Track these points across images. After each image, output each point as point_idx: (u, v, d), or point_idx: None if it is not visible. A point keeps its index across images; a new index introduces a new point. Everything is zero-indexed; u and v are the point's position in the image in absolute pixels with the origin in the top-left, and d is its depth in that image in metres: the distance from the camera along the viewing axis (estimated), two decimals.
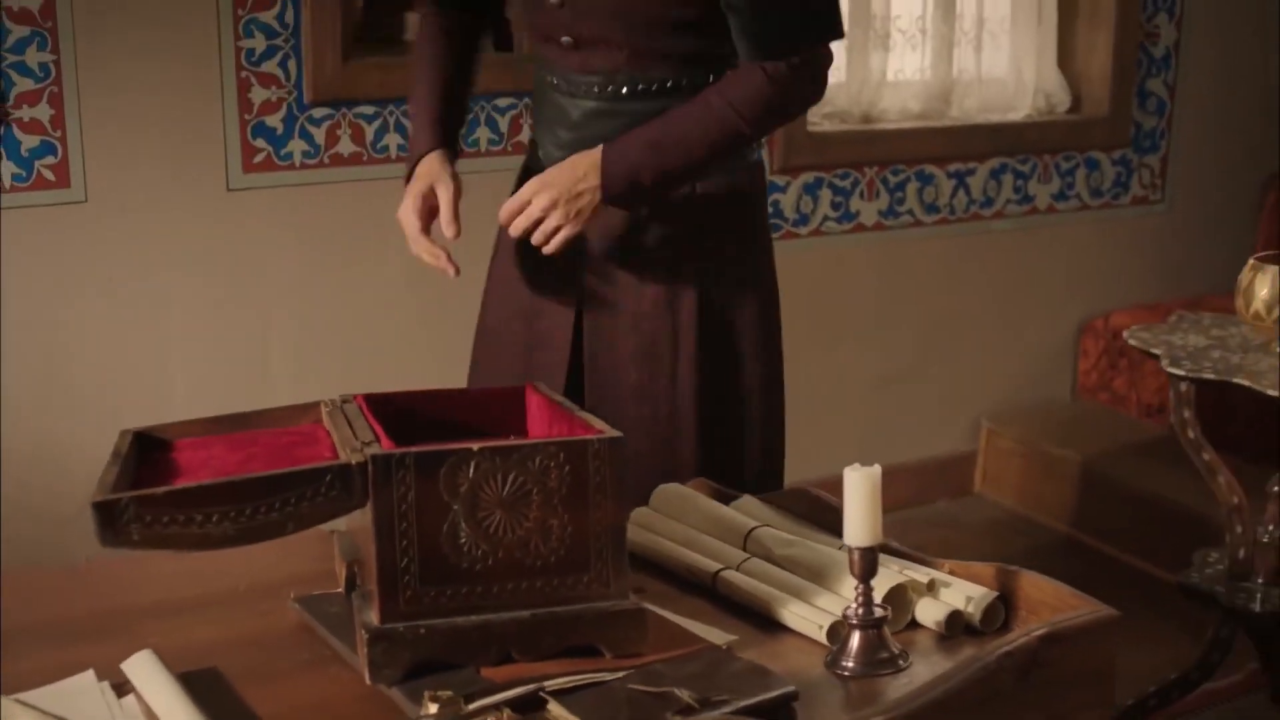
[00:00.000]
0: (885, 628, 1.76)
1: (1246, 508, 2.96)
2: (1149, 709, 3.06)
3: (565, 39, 2.30)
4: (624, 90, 2.31)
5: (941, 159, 4.24)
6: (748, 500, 2.23)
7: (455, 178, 2.43)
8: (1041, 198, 4.44)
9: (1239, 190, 4.80)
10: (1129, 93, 4.51)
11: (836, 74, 4.06)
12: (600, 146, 2.28)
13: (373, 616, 1.72)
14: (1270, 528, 2.95)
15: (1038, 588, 1.85)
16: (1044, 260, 4.46)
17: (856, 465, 1.76)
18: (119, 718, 1.62)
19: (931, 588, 1.90)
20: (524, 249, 2.45)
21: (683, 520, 2.18)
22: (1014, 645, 1.70)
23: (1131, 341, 2.95)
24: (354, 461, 1.70)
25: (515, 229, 2.34)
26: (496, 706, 1.59)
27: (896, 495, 4.35)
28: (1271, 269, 2.78)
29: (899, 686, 1.69)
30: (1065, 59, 4.52)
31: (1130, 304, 4.49)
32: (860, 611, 1.75)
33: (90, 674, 1.71)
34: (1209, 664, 3.04)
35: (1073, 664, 1.75)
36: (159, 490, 1.65)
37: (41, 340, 3.19)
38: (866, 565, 1.76)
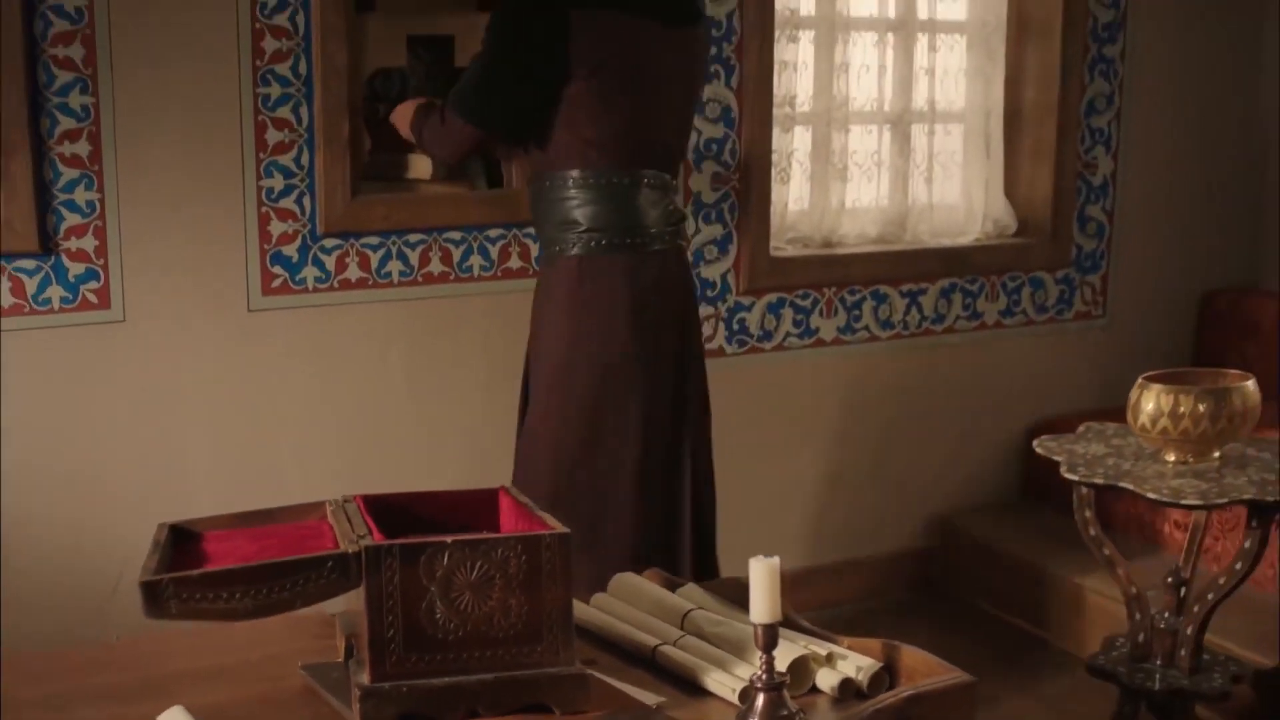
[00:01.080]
0: (785, 691, 2.14)
1: (1144, 597, 3.34)
2: None
3: None
4: None
5: (895, 279, 4.65)
6: (690, 587, 2.62)
7: None
8: (990, 314, 4.84)
9: (1177, 306, 5.20)
10: (1069, 218, 4.92)
11: (800, 203, 4.52)
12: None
13: (365, 677, 2.12)
14: (1166, 615, 3.32)
15: (914, 658, 2.25)
16: (993, 371, 4.84)
17: (760, 556, 2.15)
18: None
19: (829, 659, 2.29)
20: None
21: (634, 604, 2.58)
22: (883, 704, 2.09)
23: (1039, 450, 3.35)
24: (351, 551, 2.11)
25: None
26: None
27: (857, 587, 4.72)
28: (1156, 387, 3.18)
29: None
30: (1011, 188, 4.94)
31: (1074, 411, 4.86)
32: (764, 677, 2.14)
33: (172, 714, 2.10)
34: None
35: (940, 714, 2.14)
36: (193, 573, 2.06)
37: (82, 442, 3.60)
38: (768, 638, 2.15)
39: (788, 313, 4.47)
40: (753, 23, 4.23)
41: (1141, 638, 3.34)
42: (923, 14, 4.72)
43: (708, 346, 4.20)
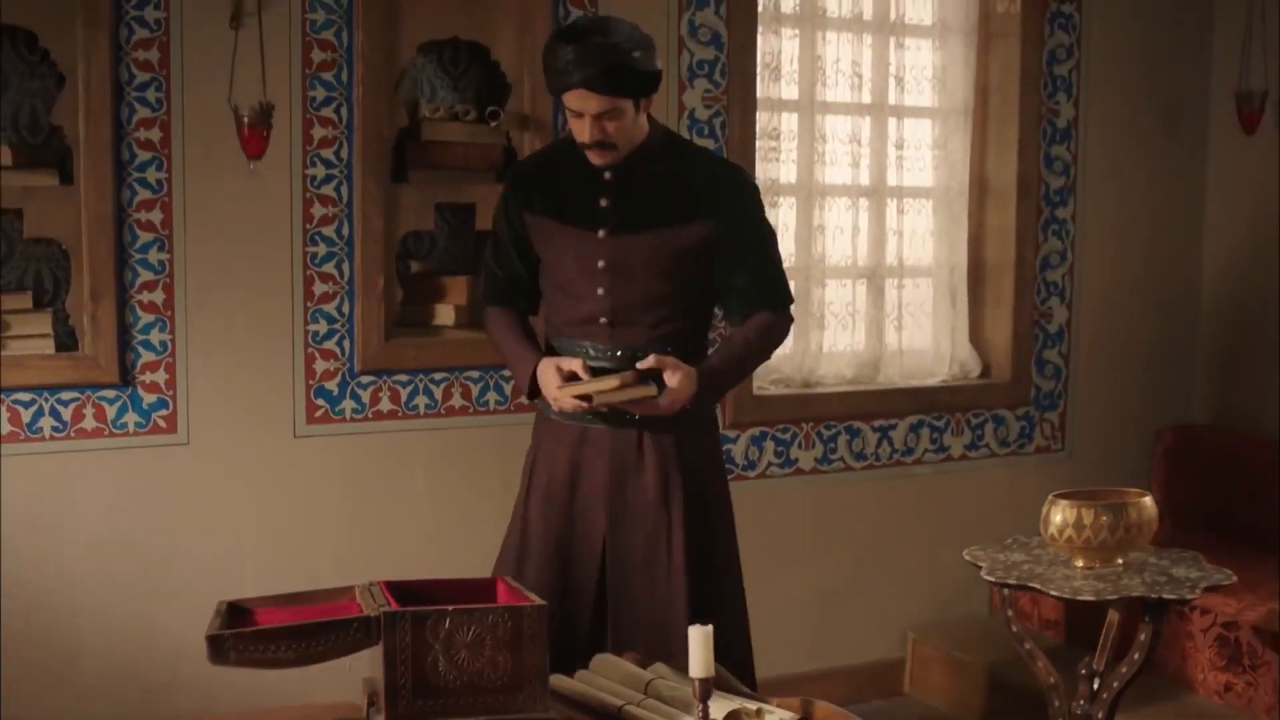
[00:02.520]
0: None
1: (1062, 686, 3.86)
2: None
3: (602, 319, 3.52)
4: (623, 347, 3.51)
5: (868, 416, 5.21)
6: (659, 665, 3.17)
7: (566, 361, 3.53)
8: (955, 448, 5.39)
9: (1133, 439, 5.73)
10: (1028, 362, 5.49)
11: (783, 348, 5.10)
12: (698, 372, 3.50)
13: (380, 717, 2.68)
14: (1081, 702, 3.84)
15: (825, 710, 2.79)
16: (959, 499, 5.36)
17: (697, 625, 2.71)
18: None
19: (758, 713, 2.83)
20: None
21: (609, 676, 3.13)
22: None
23: (967, 558, 3.89)
24: (372, 615, 2.68)
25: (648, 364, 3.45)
26: None
27: (834, 694, 5.16)
28: (1062, 502, 3.73)
29: None
30: (975, 335, 5.52)
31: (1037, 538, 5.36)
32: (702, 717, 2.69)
33: None
34: None
35: None
36: (248, 629, 2.63)
37: (149, 547, 4.19)
38: (704, 690, 2.70)
39: (769, 445, 5.04)
40: None
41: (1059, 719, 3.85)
42: (892, 181, 5.33)
43: None
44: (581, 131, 3.46)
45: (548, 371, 3.53)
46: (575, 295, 3.59)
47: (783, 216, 5.13)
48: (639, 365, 3.46)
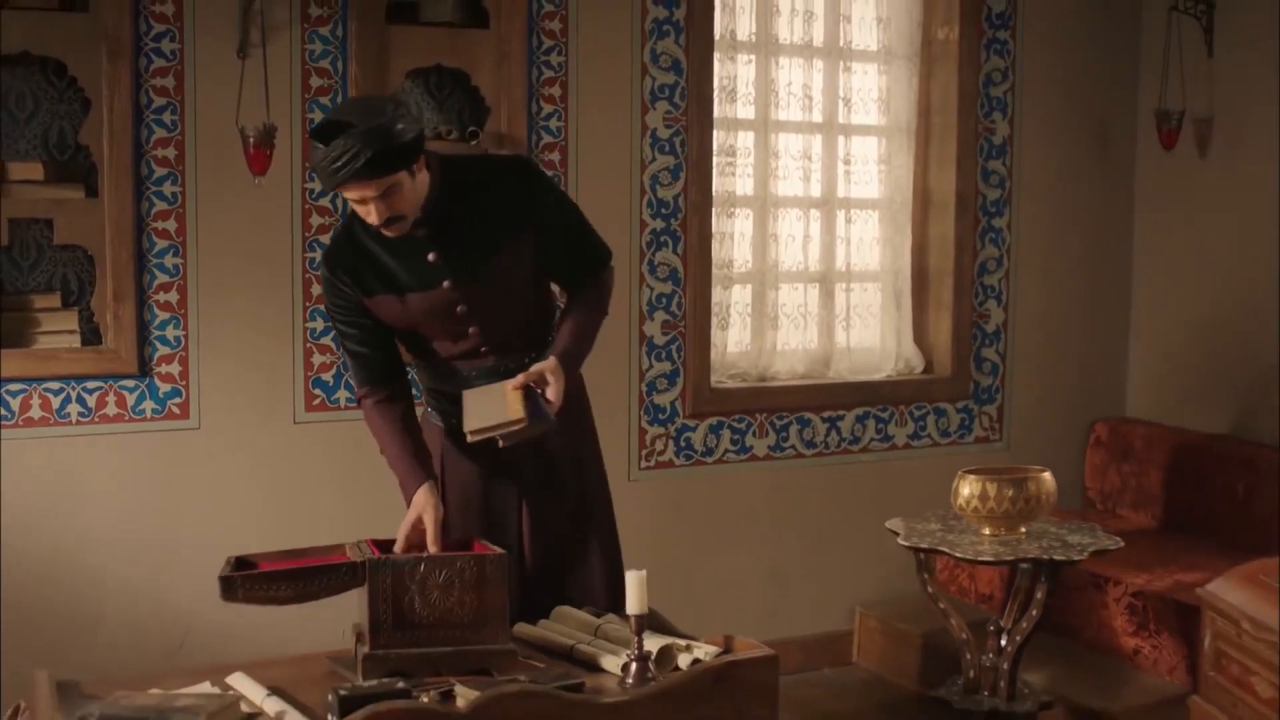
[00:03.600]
0: (649, 662, 3.19)
1: (973, 641, 4.35)
2: None
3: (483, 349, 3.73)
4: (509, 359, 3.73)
5: (818, 407, 5.71)
6: (611, 615, 3.67)
7: (438, 506, 3.56)
8: (899, 437, 5.90)
9: (1067, 431, 6.23)
10: (967, 359, 5.99)
11: (740, 345, 5.60)
12: (558, 361, 3.57)
13: (365, 648, 3.19)
14: (989, 655, 4.33)
15: (744, 643, 3.29)
16: (903, 485, 5.84)
17: (632, 570, 3.21)
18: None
19: (688, 648, 3.33)
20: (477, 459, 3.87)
21: (565, 623, 3.63)
22: (709, 665, 3.14)
23: (887, 526, 4.39)
24: (359, 561, 3.19)
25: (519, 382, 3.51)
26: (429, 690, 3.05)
27: (787, 663, 5.64)
28: (970, 477, 4.24)
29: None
30: (919, 334, 6.02)
31: None
32: (636, 653, 3.19)
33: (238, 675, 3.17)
34: None
35: (747, 679, 3.18)
36: (254, 572, 3.14)
37: (164, 519, 4.69)
38: (639, 624, 3.20)
39: (726, 434, 5.54)
40: (694, 202, 5.36)
41: (972, 673, 4.35)
42: (841, 193, 5.83)
43: (659, 461, 5.33)
44: (369, 215, 3.48)
45: (425, 513, 3.55)
46: (449, 339, 3.71)
47: (740, 226, 5.63)
48: (512, 387, 3.51)
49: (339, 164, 3.33)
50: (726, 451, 5.56)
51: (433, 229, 3.61)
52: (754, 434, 5.60)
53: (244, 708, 3.04)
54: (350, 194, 3.45)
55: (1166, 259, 6.20)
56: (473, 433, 3.47)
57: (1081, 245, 6.22)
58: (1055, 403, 6.22)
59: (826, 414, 5.75)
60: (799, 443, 5.69)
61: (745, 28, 5.60)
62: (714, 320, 5.53)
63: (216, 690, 3.17)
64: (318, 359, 4.86)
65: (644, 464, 5.39)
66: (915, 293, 6.03)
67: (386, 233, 3.52)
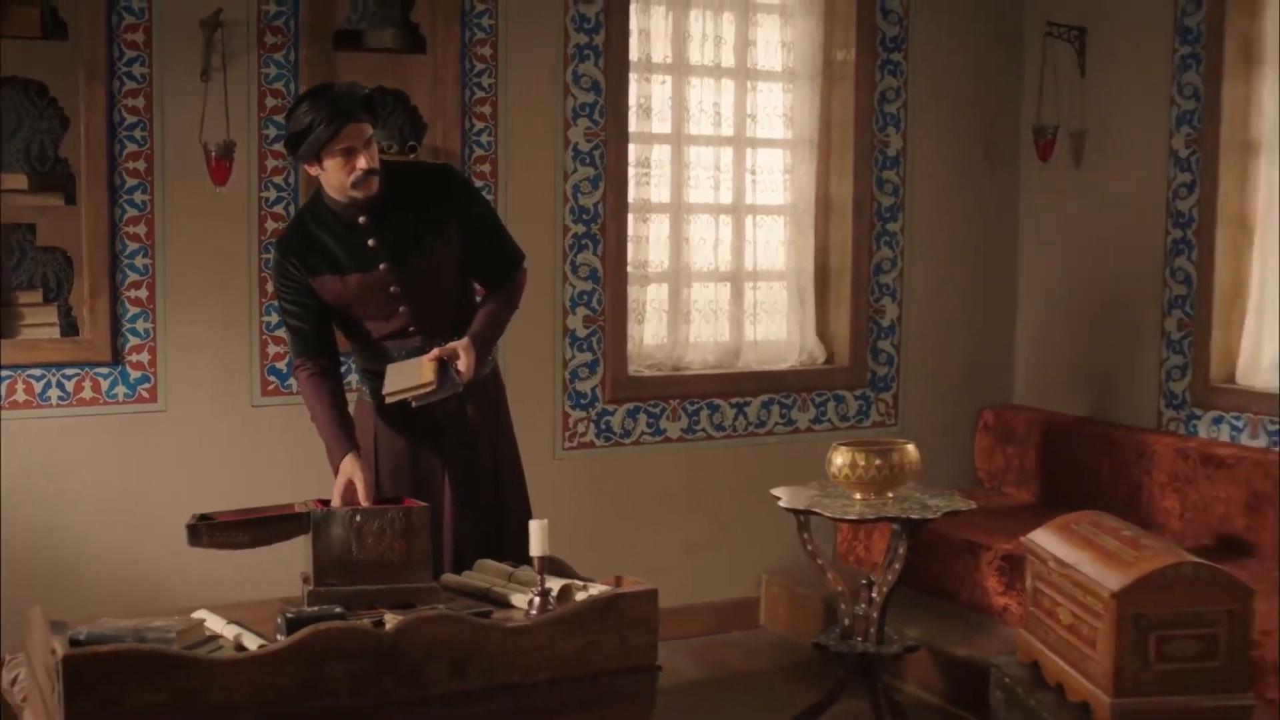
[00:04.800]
0: (550, 597, 3.79)
1: (848, 594, 4.97)
2: None
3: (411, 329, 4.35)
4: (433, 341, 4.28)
5: (727, 394, 6.32)
6: (526, 566, 4.26)
7: (365, 470, 4.19)
8: (802, 422, 6.51)
9: (957, 417, 6.86)
10: (865, 351, 6.61)
11: (657, 338, 6.20)
12: (471, 341, 4.19)
13: (310, 587, 3.78)
14: (861, 605, 4.94)
15: (633, 580, 3.89)
16: (805, 465, 6.38)
17: (534, 519, 3.81)
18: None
19: (585, 587, 3.93)
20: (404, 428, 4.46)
21: (485, 573, 4.23)
22: (597, 597, 3.74)
23: (771, 492, 5.00)
24: (305, 512, 3.78)
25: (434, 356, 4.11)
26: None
27: (701, 625, 6.29)
28: (842, 448, 4.85)
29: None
30: (821, 328, 6.64)
31: None
32: (539, 589, 3.80)
33: (202, 611, 3.76)
34: (834, 693, 5.00)
35: (630, 609, 3.77)
36: (216, 520, 3.73)
37: (136, 492, 5.26)
38: (542, 564, 3.80)
39: (642, 418, 6.15)
40: (612, 209, 5.96)
41: (847, 621, 4.97)
42: (749, 200, 6.45)
43: (581, 442, 5.94)
44: (356, 165, 4.10)
45: (354, 476, 4.14)
46: (380, 319, 4.30)
47: (656, 230, 6.24)
48: (429, 359, 4.11)
49: (342, 106, 4.05)
50: (643, 434, 6.16)
51: (373, 218, 4.26)
52: (668, 418, 6.20)
53: (206, 631, 3.64)
54: (349, 137, 4.08)
55: (1047, 258, 6.84)
56: (389, 394, 4.14)
57: (969, 247, 6.85)
58: (946, 391, 6.84)
59: (735, 400, 6.35)
60: (709, 426, 6.30)
61: (660, 51, 6.20)
62: (631, 315, 6.13)
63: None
64: (273, 349, 5.44)
65: (567, 445, 5.98)
66: (817, 290, 6.64)
67: (359, 192, 4.15)
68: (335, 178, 4.17)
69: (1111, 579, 3.73)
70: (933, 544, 5.93)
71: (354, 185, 4.15)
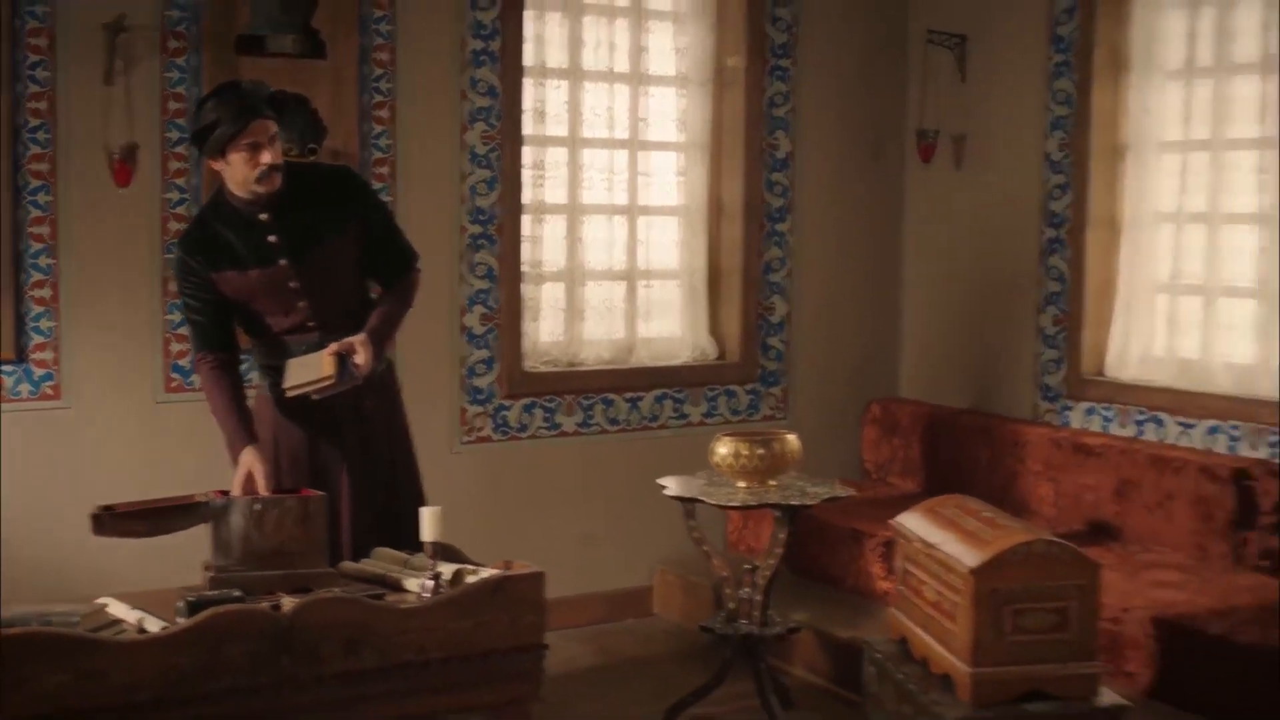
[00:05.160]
0: (441, 580, 3.98)
1: (732, 578, 5.19)
2: (687, 703, 5.22)
3: (310, 324, 4.53)
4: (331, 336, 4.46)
5: (621, 389, 6.53)
6: (420, 554, 4.44)
7: (265, 462, 4.37)
8: (694, 415, 6.73)
9: (846, 410, 7.10)
10: (755, 347, 6.85)
11: (553, 335, 6.39)
12: (368, 337, 4.37)
13: (211, 574, 3.94)
14: (747, 590, 5.16)
15: (522, 565, 4.08)
16: (697, 456, 6.48)
17: (427, 507, 3.99)
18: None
19: (476, 571, 4.12)
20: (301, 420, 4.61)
21: (381, 560, 4.40)
22: (487, 579, 3.93)
23: (658, 481, 5.20)
24: (206, 501, 3.94)
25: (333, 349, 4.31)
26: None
27: (597, 614, 6.49)
28: (725, 438, 5.07)
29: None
30: (713, 325, 6.86)
31: None
32: (431, 572, 3.98)
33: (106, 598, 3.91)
34: (720, 674, 5.21)
35: (519, 591, 3.97)
36: (120, 510, 3.88)
37: (42, 484, 5.37)
38: (433, 549, 3.98)
39: (538, 412, 6.34)
40: (507, 210, 6.15)
41: (732, 605, 5.19)
42: (643, 201, 6.66)
43: (479, 436, 6.12)
44: (260, 160, 4.30)
45: (253, 467, 4.33)
46: (280, 314, 4.47)
47: (551, 230, 6.43)
48: (328, 353, 4.29)
49: (249, 103, 4.27)
50: (539, 428, 6.35)
51: (275, 215, 4.43)
52: (564, 412, 6.40)
53: (110, 616, 3.79)
54: (256, 133, 4.28)
55: (930, 257, 7.11)
56: (290, 388, 4.32)
57: (856, 246, 7.10)
58: (834, 385, 7.09)
59: (629, 395, 6.56)
60: (604, 421, 6.50)
61: (556, 57, 6.39)
62: (528, 313, 6.32)
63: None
64: (175, 347, 5.57)
65: (465, 439, 6.16)
66: (710, 289, 6.86)
67: (263, 187, 4.33)
68: (240, 172, 4.35)
69: (970, 557, 3.97)
70: (820, 532, 6.18)
71: (258, 180, 4.34)
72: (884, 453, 7.03)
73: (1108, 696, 4.04)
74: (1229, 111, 5.93)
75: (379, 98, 5.89)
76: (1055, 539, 4.06)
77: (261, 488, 4.26)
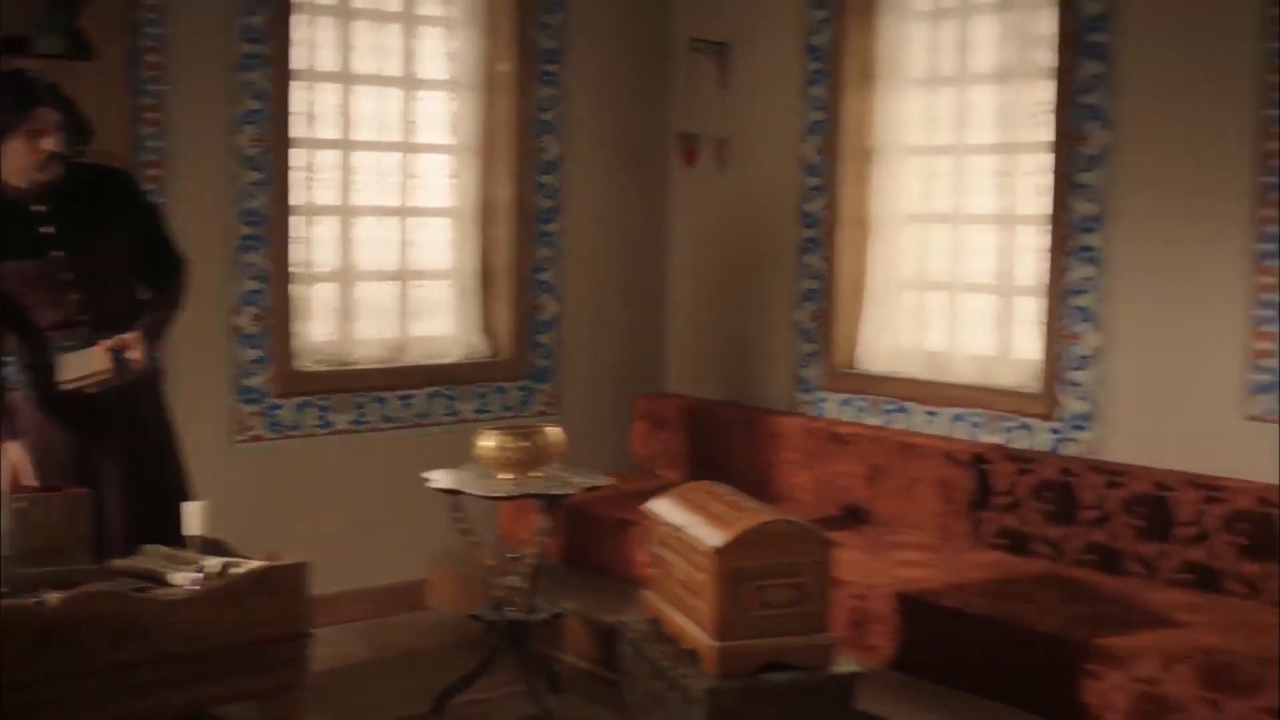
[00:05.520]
0: (205, 573, 4.08)
1: (499, 568, 5.37)
2: (455, 690, 5.37)
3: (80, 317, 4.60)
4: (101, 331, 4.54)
5: (393, 387, 6.66)
6: (189, 550, 4.53)
7: (25, 461, 4.47)
8: (466, 412, 6.89)
9: (615, 405, 7.33)
10: (526, 345, 7.04)
11: (328, 335, 6.48)
12: (141, 334, 4.48)
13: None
14: (514, 578, 5.34)
15: (298, 556, 4.21)
16: (468, 453, 6.73)
17: (189, 501, 4.10)
18: None
19: (239, 564, 4.23)
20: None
21: (148, 556, 4.47)
22: (251, 570, 4.05)
23: (422, 475, 5.36)
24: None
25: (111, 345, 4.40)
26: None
27: (372, 608, 6.60)
28: (488, 432, 5.25)
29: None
30: (486, 324, 7.04)
31: None
32: (197, 566, 4.08)
33: None
34: (488, 660, 5.38)
35: (283, 580, 4.09)
36: None
37: None
38: (199, 543, 4.09)
39: (312, 411, 6.44)
40: (277, 211, 6.24)
41: (501, 594, 5.36)
42: (415, 203, 6.80)
43: (252, 435, 6.22)
44: (41, 148, 4.38)
45: (17, 465, 4.47)
46: (49, 307, 4.50)
47: (324, 232, 6.54)
48: (104, 348, 4.40)
49: (33, 90, 4.39)
50: (313, 426, 6.45)
51: (51, 207, 4.51)
52: (336, 410, 6.51)
53: None
54: (40, 120, 4.37)
55: (695, 256, 7.39)
56: (66, 381, 4.39)
57: (623, 246, 7.34)
58: (604, 380, 7.32)
59: (401, 393, 6.69)
60: (377, 418, 6.62)
61: (327, 60, 6.50)
62: (300, 313, 6.41)
63: None
64: None
65: (238, 438, 6.24)
66: (482, 288, 7.03)
67: (41, 175, 4.42)
68: (19, 160, 4.40)
69: (715, 537, 4.21)
70: (591, 524, 6.40)
71: (39, 167, 4.41)
72: (652, 445, 7.28)
73: (843, 665, 4.32)
74: (969, 118, 6.32)
75: (150, 100, 5.94)
76: (793, 519, 4.34)
77: (23, 484, 4.31)
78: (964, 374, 6.25)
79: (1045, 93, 5.91)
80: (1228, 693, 4.31)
